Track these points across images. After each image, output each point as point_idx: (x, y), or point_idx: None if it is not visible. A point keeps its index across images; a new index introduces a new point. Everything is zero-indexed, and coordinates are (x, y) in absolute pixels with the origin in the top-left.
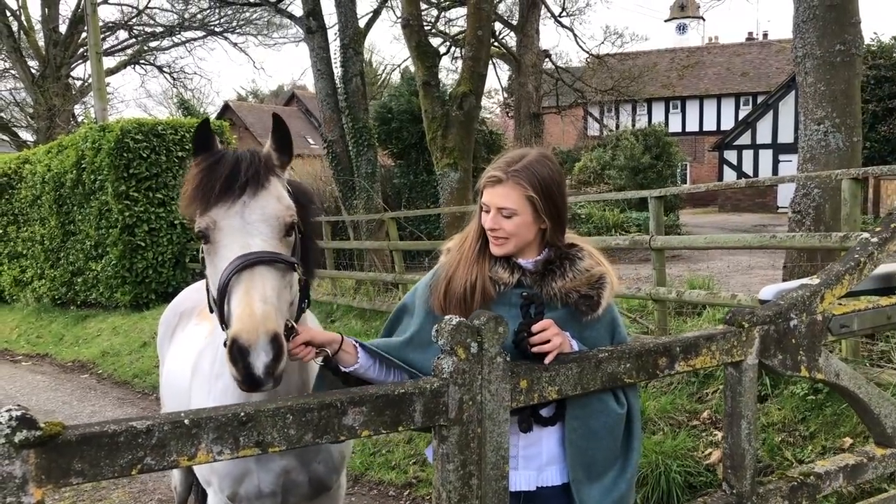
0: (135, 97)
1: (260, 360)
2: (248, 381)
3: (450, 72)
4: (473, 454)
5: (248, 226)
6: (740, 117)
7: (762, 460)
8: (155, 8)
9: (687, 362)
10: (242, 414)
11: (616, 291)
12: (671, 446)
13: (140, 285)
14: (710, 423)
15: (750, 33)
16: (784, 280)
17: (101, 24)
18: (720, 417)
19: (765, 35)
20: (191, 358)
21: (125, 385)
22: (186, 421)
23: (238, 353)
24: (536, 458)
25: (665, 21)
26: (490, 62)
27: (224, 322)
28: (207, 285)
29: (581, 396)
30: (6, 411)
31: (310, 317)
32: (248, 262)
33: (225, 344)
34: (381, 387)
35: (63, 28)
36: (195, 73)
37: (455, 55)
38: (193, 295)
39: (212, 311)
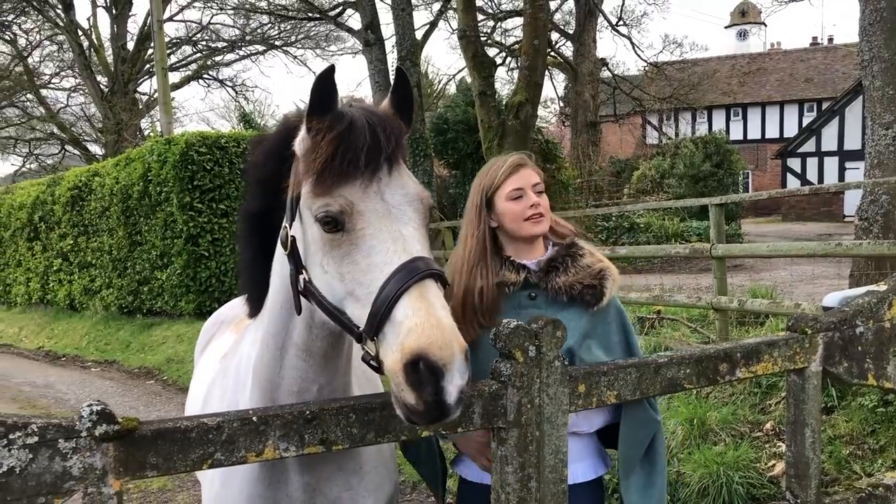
0: (198, 110)
1: (454, 385)
2: (435, 410)
3: (505, 82)
4: (532, 457)
5: (394, 210)
6: (804, 124)
7: (829, 473)
8: (218, 24)
9: (748, 368)
10: (308, 412)
11: (619, 283)
12: (733, 457)
13: (203, 294)
14: (773, 435)
15: (814, 38)
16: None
17: (166, 40)
18: (784, 429)
19: (830, 39)
20: (205, 382)
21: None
22: (254, 418)
23: (428, 373)
24: None
25: (725, 28)
26: (546, 72)
27: (368, 334)
28: (304, 282)
29: (630, 408)
30: (87, 406)
31: None
32: (421, 274)
33: (366, 358)
34: None
35: (131, 45)
36: (256, 87)
37: (511, 66)
38: (239, 306)
39: (299, 312)
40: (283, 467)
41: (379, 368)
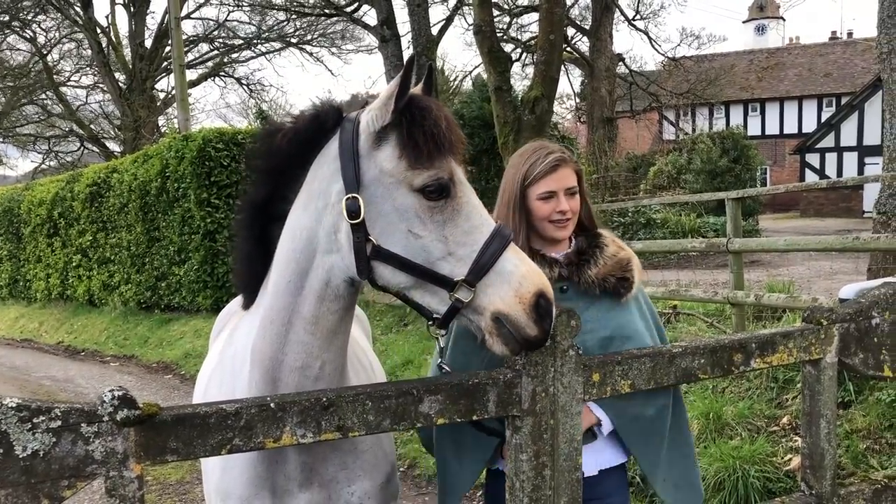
0: (215, 107)
1: (553, 317)
2: (545, 338)
3: (521, 78)
4: (546, 445)
5: (465, 180)
6: (823, 119)
7: (846, 468)
8: (234, 21)
9: (763, 359)
10: (325, 399)
11: (641, 271)
12: (749, 451)
13: (221, 289)
14: (790, 429)
15: (833, 33)
16: None
17: (183, 37)
18: (801, 423)
19: (849, 34)
20: (206, 374)
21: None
22: (272, 405)
23: (546, 309)
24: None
25: (743, 22)
26: (562, 67)
27: (472, 282)
28: (371, 248)
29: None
30: (109, 391)
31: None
32: (510, 236)
33: (457, 304)
34: (455, 376)
35: (149, 43)
36: (271, 86)
37: (526, 61)
38: None
39: (365, 276)
40: (281, 447)
41: (452, 313)
